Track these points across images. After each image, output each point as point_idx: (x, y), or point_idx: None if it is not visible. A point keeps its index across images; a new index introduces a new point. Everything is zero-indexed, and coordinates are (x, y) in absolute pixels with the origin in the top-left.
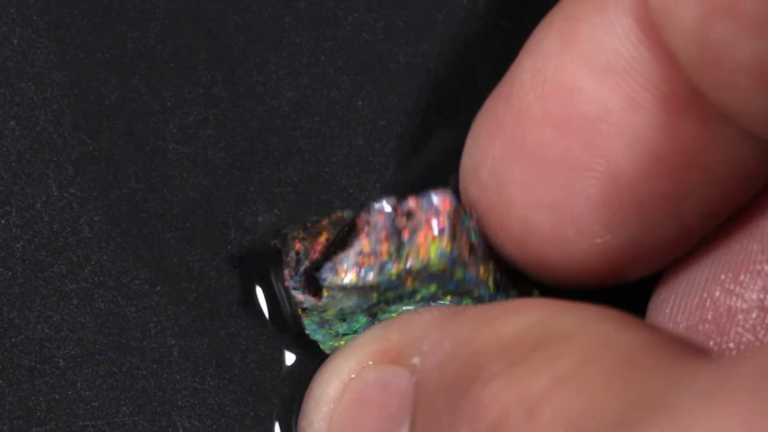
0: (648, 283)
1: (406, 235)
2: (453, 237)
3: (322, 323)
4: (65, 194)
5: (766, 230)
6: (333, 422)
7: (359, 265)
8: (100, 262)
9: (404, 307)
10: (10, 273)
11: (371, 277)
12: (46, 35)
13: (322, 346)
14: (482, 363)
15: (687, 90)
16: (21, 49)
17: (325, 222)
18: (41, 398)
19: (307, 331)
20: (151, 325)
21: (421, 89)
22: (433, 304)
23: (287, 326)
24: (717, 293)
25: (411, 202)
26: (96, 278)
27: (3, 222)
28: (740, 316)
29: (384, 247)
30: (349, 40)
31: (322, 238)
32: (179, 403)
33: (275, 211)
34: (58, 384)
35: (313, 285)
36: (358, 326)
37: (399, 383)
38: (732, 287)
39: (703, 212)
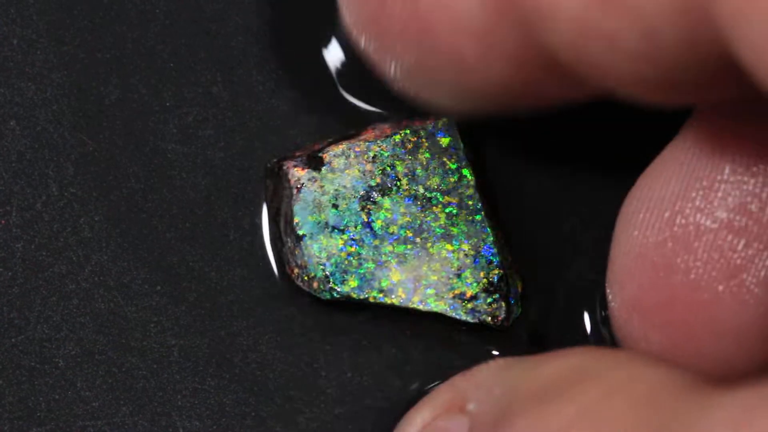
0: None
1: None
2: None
3: (314, 208)
4: (65, 194)
5: (739, 150)
6: None
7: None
8: (100, 262)
9: (395, 203)
10: (10, 273)
11: (370, 150)
12: (46, 35)
13: (312, 271)
14: (518, 404)
15: (538, 58)
16: (21, 49)
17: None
18: (41, 398)
19: (296, 219)
20: (151, 325)
21: None
22: (410, 201)
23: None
24: (687, 210)
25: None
26: (96, 278)
27: (3, 222)
28: (709, 236)
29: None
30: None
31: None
32: (179, 403)
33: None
34: (58, 384)
35: (314, 161)
36: (348, 220)
37: (458, 430)
38: (702, 205)
39: None
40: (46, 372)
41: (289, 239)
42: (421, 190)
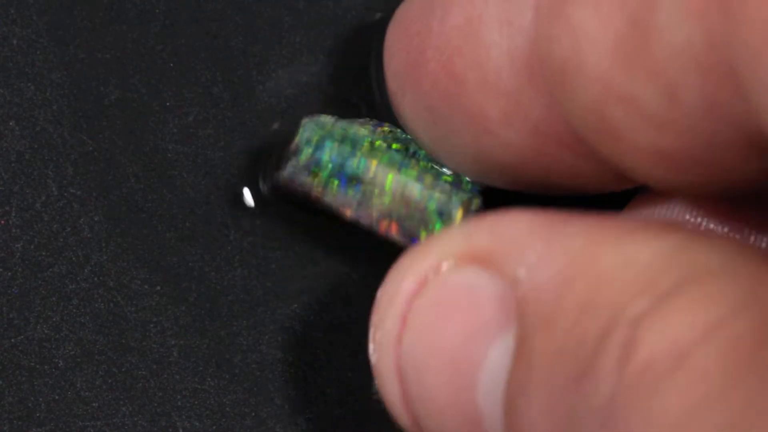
0: None
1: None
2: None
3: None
4: (65, 194)
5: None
6: (410, 322)
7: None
8: (100, 262)
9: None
10: (10, 273)
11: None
12: (46, 35)
13: (323, 173)
14: (620, 293)
15: (563, 129)
16: (21, 49)
17: None
18: (41, 398)
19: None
20: (151, 325)
21: None
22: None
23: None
24: None
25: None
26: (96, 278)
27: (3, 222)
28: None
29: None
30: (349, 40)
31: None
32: (179, 403)
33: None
34: (57, 384)
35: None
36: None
37: (490, 291)
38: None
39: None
40: (46, 372)
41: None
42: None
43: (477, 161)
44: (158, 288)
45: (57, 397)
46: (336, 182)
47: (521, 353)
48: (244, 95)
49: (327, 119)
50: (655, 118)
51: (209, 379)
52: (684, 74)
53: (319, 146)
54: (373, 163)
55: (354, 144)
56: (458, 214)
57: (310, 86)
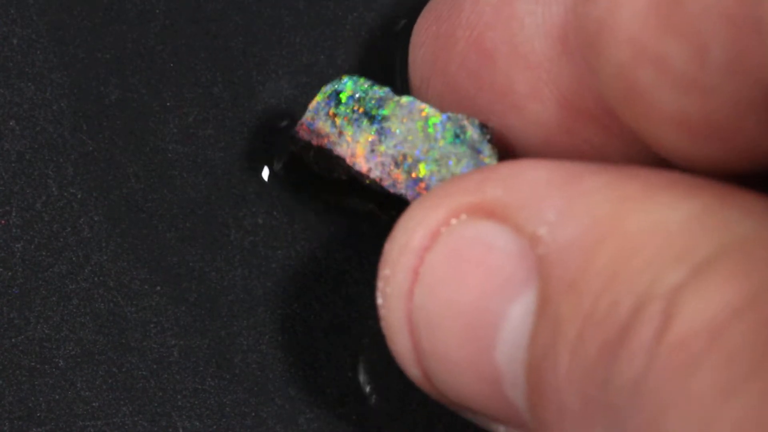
0: None
1: None
2: None
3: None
4: (65, 194)
5: None
6: (422, 276)
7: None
8: (100, 262)
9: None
10: (10, 273)
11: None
12: (46, 35)
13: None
14: (653, 260)
15: (594, 102)
16: (21, 49)
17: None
18: (41, 398)
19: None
20: (151, 325)
21: None
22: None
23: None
24: None
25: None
26: (96, 278)
27: (3, 222)
28: None
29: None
30: (349, 40)
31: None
32: (179, 403)
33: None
34: (58, 384)
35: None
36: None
37: (508, 247)
38: None
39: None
40: (46, 372)
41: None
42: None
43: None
44: (158, 288)
45: (57, 397)
46: (354, 116)
47: (545, 315)
48: (244, 95)
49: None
50: (683, 78)
51: (209, 379)
52: (714, 29)
53: (337, 83)
54: (392, 103)
55: (373, 86)
56: (488, 150)
57: (310, 87)
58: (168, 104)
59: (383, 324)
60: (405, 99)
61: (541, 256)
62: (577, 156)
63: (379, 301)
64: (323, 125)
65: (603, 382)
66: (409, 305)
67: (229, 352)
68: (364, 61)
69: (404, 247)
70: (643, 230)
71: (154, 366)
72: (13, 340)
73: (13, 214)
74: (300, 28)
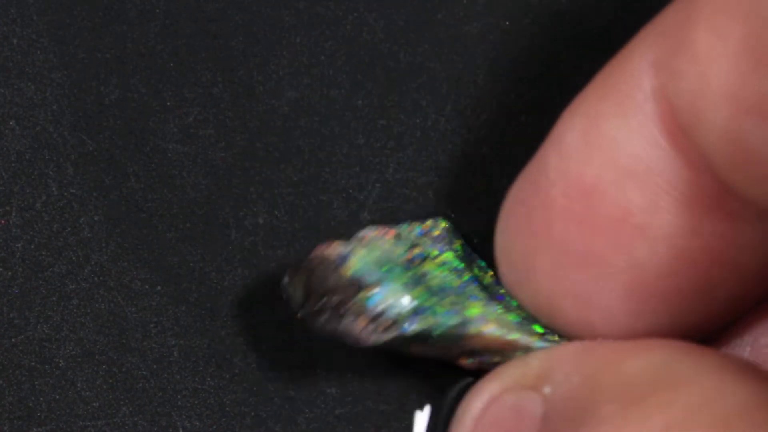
0: None
1: None
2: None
3: (370, 263)
4: (65, 194)
5: None
6: None
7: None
8: (100, 262)
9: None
10: (10, 273)
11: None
12: (46, 35)
13: (382, 292)
14: (600, 401)
15: (712, 191)
16: (21, 49)
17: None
18: (41, 398)
19: (359, 273)
20: (151, 325)
21: (421, 89)
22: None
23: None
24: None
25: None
26: (96, 278)
27: (3, 222)
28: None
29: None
30: (349, 39)
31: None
32: (179, 403)
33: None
34: (58, 384)
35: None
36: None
37: (532, 410)
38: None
39: (732, 300)
40: (46, 372)
41: (348, 303)
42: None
43: (630, 285)
44: (158, 288)
45: (57, 397)
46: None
47: None
48: (244, 95)
49: (378, 241)
50: None
51: (209, 379)
52: None
53: (391, 305)
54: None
55: (429, 293)
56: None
57: (311, 88)
58: (168, 104)
59: None
60: (476, 311)
61: (544, 412)
62: (708, 256)
63: None
64: (380, 336)
65: None
66: None
67: (229, 352)
68: (364, 61)
69: (463, 416)
70: (606, 383)
71: (154, 366)
72: (13, 340)
73: (13, 214)
74: (300, 28)
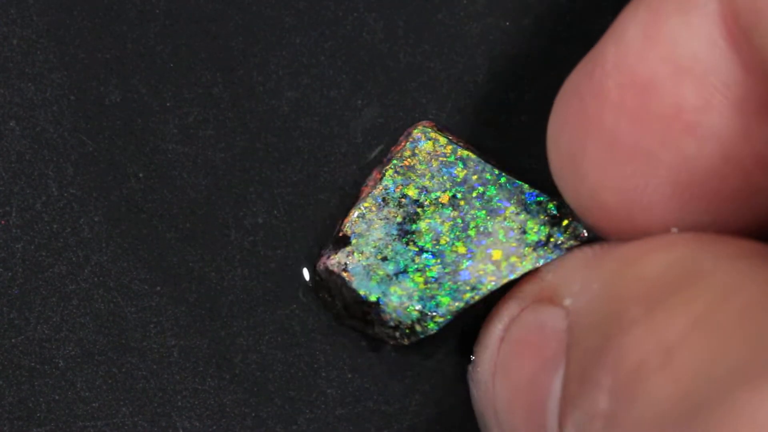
0: None
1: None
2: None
3: (367, 272)
4: (65, 194)
5: None
6: (497, 366)
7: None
8: (100, 263)
9: (429, 220)
10: (10, 273)
11: (376, 200)
12: (46, 35)
13: (406, 319)
14: (624, 306)
15: (766, 96)
16: (21, 50)
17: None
18: (41, 399)
19: (362, 292)
20: (151, 325)
21: (421, 89)
22: (440, 210)
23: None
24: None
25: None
26: (96, 278)
27: (3, 222)
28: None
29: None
30: (349, 40)
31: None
32: (179, 403)
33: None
34: (58, 384)
35: (340, 242)
36: (403, 261)
37: (555, 325)
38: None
39: None
40: (46, 372)
41: (369, 315)
42: (442, 195)
43: (676, 183)
44: (158, 288)
45: (57, 397)
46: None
47: (567, 377)
48: (244, 95)
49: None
50: None
51: (209, 379)
52: None
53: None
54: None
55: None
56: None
57: (311, 88)
58: (168, 104)
59: (476, 408)
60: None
61: (568, 325)
62: (755, 161)
63: (472, 385)
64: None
65: (583, 422)
66: (492, 394)
67: (229, 352)
68: (364, 61)
69: (485, 342)
70: (627, 284)
71: (154, 366)
72: (13, 340)
73: (13, 214)
74: (300, 29)
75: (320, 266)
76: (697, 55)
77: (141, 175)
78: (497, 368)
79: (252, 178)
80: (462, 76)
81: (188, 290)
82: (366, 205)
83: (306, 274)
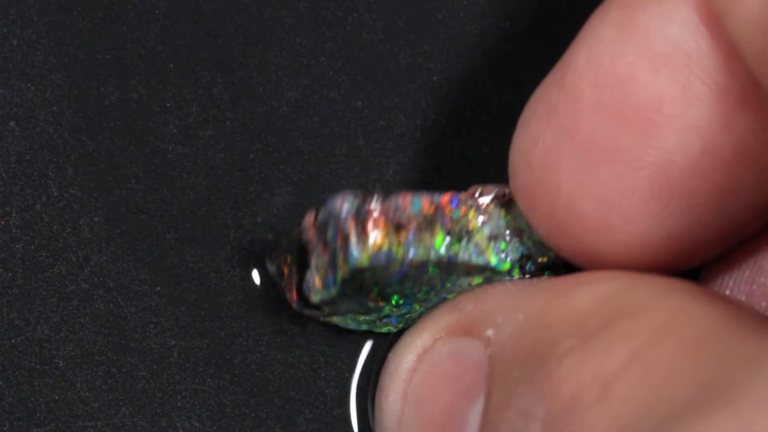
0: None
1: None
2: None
3: (347, 319)
4: (65, 195)
5: None
6: (409, 396)
7: (320, 277)
8: (100, 263)
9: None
10: (10, 273)
11: (336, 279)
12: (46, 36)
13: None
14: (555, 337)
15: (745, 84)
16: (21, 50)
17: (293, 235)
18: (41, 399)
19: (348, 328)
20: (151, 325)
21: (421, 89)
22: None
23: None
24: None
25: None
26: (96, 279)
27: (3, 223)
28: None
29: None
30: (349, 40)
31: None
32: (179, 404)
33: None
34: (57, 385)
35: (311, 304)
36: (387, 308)
37: (472, 355)
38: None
39: (754, 206)
40: (46, 372)
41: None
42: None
43: (655, 184)
44: (158, 288)
45: (57, 398)
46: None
47: (487, 409)
48: (244, 96)
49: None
50: None
51: (209, 380)
52: None
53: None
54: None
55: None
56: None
57: (311, 89)
58: (168, 104)
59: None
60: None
61: (489, 356)
62: (736, 153)
63: (375, 414)
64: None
65: None
66: (399, 421)
67: (229, 352)
68: (364, 61)
69: (394, 372)
70: (555, 317)
71: (154, 366)
72: (13, 340)
73: (13, 214)
74: (300, 29)
75: (292, 304)
76: (675, 42)
77: (141, 175)
78: (408, 397)
79: (252, 178)
80: (462, 76)
81: (188, 290)
82: (319, 270)
83: None
